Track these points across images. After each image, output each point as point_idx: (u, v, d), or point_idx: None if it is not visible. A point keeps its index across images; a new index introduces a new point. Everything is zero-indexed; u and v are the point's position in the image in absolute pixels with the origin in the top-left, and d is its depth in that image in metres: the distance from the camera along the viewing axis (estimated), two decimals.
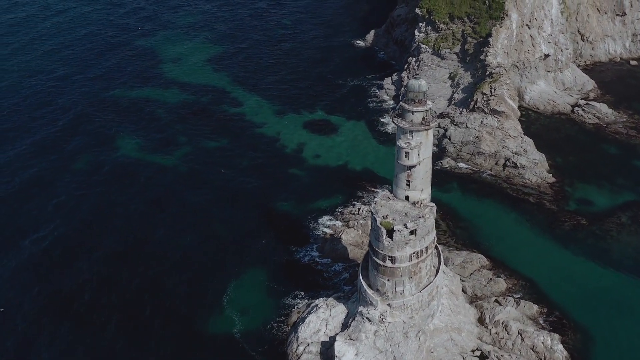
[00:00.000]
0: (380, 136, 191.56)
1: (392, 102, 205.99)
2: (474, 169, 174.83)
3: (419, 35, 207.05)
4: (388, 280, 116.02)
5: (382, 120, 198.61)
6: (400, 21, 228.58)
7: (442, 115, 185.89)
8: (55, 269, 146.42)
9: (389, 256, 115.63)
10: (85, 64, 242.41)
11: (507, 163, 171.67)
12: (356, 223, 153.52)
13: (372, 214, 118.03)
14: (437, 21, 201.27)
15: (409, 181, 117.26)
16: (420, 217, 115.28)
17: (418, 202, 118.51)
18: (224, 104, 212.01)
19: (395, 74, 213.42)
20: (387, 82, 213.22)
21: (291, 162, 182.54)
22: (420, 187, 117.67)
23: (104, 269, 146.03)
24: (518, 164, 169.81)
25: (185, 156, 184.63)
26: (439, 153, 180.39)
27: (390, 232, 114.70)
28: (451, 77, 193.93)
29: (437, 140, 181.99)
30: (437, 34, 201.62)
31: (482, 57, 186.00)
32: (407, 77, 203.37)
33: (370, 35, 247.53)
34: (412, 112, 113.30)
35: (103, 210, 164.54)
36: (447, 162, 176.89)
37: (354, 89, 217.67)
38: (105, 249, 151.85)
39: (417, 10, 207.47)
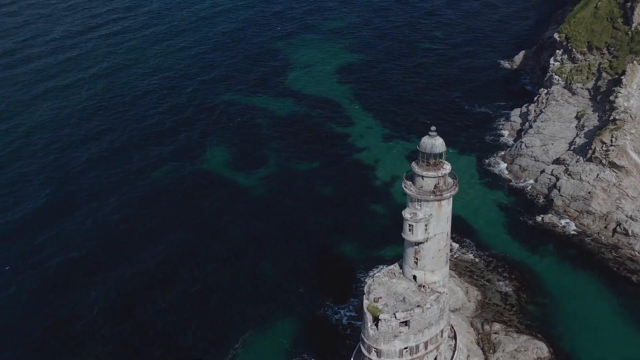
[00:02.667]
0: (485, 177, 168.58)
1: (511, 138, 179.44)
2: (578, 230, 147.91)
3: (554, 64, 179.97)
4: None
5: (492, 158, 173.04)
6: (550, 44, 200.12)
7: (557, 161, 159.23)
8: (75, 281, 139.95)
9: (374, 348, 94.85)
10: (211, 64, 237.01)
11: (618, 229, 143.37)
12: None
13: (364, 292, 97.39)
14: (574, 50, 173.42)
15: (417, 259, 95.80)
16: (418, 305, 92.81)
17: (426, 285, 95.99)
18: (333, 121, 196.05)
19: (525, 105, 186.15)
20: (515, 113, 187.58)
21: (376, 197, 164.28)
22: (430, 267, 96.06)
23: (129, 285, 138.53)
24: (630, 232, 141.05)
25: (267, 178, 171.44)
26: (545, 205, 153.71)
27: (377, 320, 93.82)
28: (578, 117, 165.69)
29: (546, 190, 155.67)
30: (572, 65, 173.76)
31: (612, 97, 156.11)
32: (535, 111, 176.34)
33: (519, 57, 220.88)
34: (422, 177, 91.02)
35: (149, 227, 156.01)
36: (549, 218, 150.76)
37: (478, 117, 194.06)
38: (136, 267, 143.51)
39: (555, 36, 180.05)
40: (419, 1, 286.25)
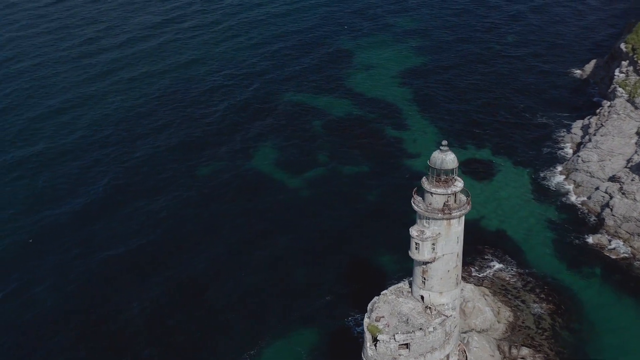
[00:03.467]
0: (536, 191, 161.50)
1: (570, 151, 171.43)
2: (629, 254, 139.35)
3: (618, 76, 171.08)
4: None
5: (547, 172, 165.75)
6: (618, 55, 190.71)
7: (612, 179, 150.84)
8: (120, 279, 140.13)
9: None
10: (278, 61, 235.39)
11: None
12: None
13: (367, 310, 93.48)
14: (639, 61, 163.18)
15: (425, 279, 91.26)
16: (420, 328, 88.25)
17: (433, 306, 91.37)
18: (388, 125, 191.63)
19: (588, 117, 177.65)
20: (577, 125, 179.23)
21: None
22: (438, 288, 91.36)
23: (167, 284, 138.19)
24: None
25: (313, 181, 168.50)
26: (595, 225, 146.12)
27: (376, 340, 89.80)
28: (638, 133, 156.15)
29: (598, 208, 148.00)
30: (637, 77, 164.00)
31: None
32: (596, 124, 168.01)
33: (590, 66, 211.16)
34: (431, 193, 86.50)
35: (191, 228, 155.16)
36: (598, 238, 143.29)
37: (539, 127, 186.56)
38: (175, 266, 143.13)
39: (622, 46, 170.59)
40: (505, 5, 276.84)
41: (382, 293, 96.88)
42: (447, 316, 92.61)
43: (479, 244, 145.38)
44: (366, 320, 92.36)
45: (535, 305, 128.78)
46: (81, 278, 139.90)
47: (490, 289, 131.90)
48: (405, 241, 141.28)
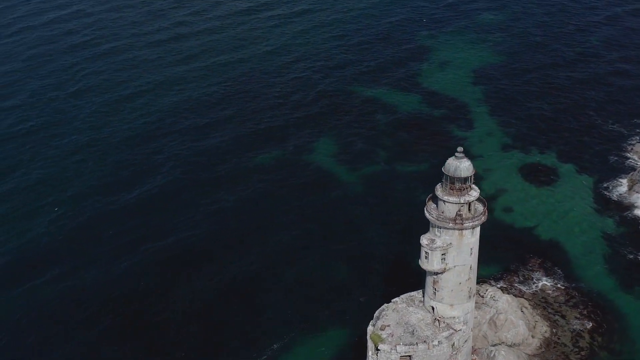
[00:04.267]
0: (597, 201, 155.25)
1: (639, 161, 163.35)
2: None
3: None
4: None
5: (611, 182, 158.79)
6: None
7: None
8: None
9: None
10: (355, 54, 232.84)
11: None
12: None
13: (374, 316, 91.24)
14: None
15: (435, 290, 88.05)
16: (424, 341, 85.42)
17: (442, 319, 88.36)
18: (453, 123, 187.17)
19: None
20: None
21: None
22: (448, 300, 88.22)
23: (216, 275, 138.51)
24: None
25: (369, 176, 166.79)
26: None
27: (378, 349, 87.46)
28: None
29: None
30: None
31: None
32: None
33: None
34: (444, 201, 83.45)
35: (242, 219, 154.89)
36: None
37: (609, 134, 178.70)
38: (225, 257, 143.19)
39: None
40: (604, 6, 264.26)
41: (392, 300, 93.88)
42: (455, 330, 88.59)
43: (527, 253, 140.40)
44: (370, 328, 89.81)
45: (576, 321, 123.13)
46: (132, 265, 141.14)
47: (531, 301, 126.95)
48: None
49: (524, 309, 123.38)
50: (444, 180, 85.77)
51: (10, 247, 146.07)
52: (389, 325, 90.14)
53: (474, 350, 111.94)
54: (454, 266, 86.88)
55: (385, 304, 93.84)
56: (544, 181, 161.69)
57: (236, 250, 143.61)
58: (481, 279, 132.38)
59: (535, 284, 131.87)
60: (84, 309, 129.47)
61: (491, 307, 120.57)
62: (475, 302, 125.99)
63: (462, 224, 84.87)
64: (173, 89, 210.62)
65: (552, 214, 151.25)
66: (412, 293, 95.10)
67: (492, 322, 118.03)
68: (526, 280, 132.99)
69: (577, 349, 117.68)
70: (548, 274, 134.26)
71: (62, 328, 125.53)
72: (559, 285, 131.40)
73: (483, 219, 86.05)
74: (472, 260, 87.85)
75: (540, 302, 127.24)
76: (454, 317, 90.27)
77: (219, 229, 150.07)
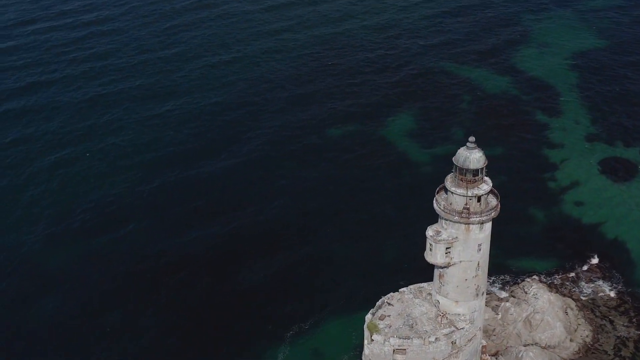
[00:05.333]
0: None
1: None
2: None
3: None
4: None
5: None
6: None
7: None
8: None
9: None
10: (444, 27, 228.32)
11: None
12: (503, 304, 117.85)
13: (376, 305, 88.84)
14: None
15: (441, 284, 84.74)
16: (419, 337, 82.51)
17: (446, 314, 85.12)
18: (540, 108, 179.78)
19: None
20: None
21: (544, 200, 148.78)
22: (453, 297, 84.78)
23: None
24: None
25: (439, 157, 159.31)
26: None
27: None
28: None
29: None
30: None
31: None
32: None
33: None
34: (452, 192, 79.97)
35: (296, 184, 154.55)
36: None
37: None
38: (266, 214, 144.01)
39: None
40: None
41: (400, 290, 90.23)
42: (457, 328, 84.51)
43: (588, 251, 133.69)
44: (368, 316, 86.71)
45: (623, 329, 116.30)
46: (204, 236, 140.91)
47: (578, 302, 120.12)
48: (516, 236, 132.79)
49: (568, 310, 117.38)
50: (454, 170, 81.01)
51: (89, 202, 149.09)
52: (389, 316, 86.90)
53: (495, 352, 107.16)
54: (460, 261, 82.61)
55: (392, 293, 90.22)
56: (622, 177, 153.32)
57: (310, 229, 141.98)
58: (532, 273, 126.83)
59: (589, 285, 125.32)
60: (144, 272, 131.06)
61: (529, 305, 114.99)
62: (517, 298, 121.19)
63: (469, 218, 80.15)
64: (259, 62, 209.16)
65: (623, 213, 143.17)
66: (422, 284, 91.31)
67: (528, 321, 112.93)
68: (579, 280, 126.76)
69: (618, 358, 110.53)
70: (605, 275, 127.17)
71: (120, 284, 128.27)
72: (613, 289, 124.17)
73: (493, 214, 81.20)
74: (480, 257, 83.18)
75: (589, 305, 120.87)
76: (458, 314, 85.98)
77: (295, 206, 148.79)
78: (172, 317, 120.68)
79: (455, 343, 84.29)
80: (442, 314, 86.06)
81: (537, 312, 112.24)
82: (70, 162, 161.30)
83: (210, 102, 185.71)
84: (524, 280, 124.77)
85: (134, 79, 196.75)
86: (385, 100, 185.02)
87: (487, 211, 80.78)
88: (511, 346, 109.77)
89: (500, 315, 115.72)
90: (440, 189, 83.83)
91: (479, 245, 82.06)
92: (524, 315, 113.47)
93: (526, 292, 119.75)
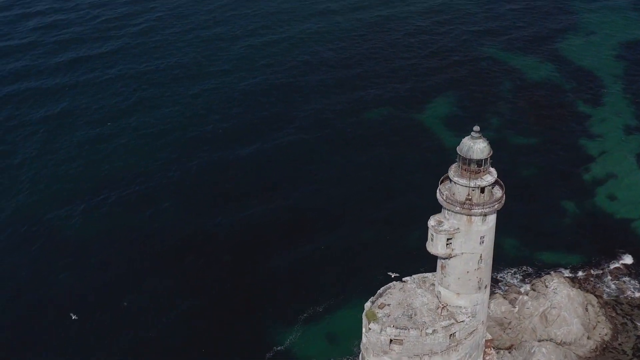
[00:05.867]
0: None
1: None
2: None
3: None
4: None
5: None
6: None
7: None
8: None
9: (364, 357, 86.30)
10: (492, 12, 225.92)
11: None
12: (521, 297, 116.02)
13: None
14: None
15: (443, 275, 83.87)
16: (417, 328, 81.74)
17: (446, 306, 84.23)
18: (581, 98, 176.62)
19: None
20: None
21: (574, 191, 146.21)
22: (455, 289, 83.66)
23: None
24: None
25: None
26: None
27: None
28: None
29: None
30: None
31: None
32: None
33: None
34: (454, 182, 78.92)
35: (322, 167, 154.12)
36: None
37: None
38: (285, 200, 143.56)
39: None
40: None
41: (403, 279, 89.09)
42: (457, 321, 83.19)
43: (616, 247, 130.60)
44: (367, 304, 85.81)
45: None
46: (246, 217, 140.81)
47: (600, 299, 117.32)
48: (545, 228, 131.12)
49: (589, 307, 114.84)
50: (458, 160, 79.45)
51: (123, 179, 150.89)
52: (388, 305, 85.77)
53: (510, 346, 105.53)
54: (461, 253, 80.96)
55: (394, 282, 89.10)
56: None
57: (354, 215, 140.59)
58: (557, 267, 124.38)
59: (614, 282, 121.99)
60: (168, 250, 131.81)
61: (547, 300, 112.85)
62: (537, 292, 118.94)
63: (470, 209, 78.51)
64: (299, 45, 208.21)
65: None
66: (427, 274, 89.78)
67: (544, 315, 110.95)
68: (604, 276, 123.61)
69: (636, 359, 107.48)
70: (631, 273, 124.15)
71: (143, 262, 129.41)
72: (638, 287, 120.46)
73: (497, 206, 79.29)
74: (483, 249, 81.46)
75: (611, 302, 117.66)
76: (460, 307, 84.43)
77: (323, 191, 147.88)
78: (190, 296, 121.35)
79: (454, 336, 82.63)
80: (442, 306, 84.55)
81: (554, 307, 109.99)
82: (106, 138, 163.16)
83: (248, 84, 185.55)
84: (547, 274, 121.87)
85: (176, 57, 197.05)
86: (425, 87, 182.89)
87: (490, 203, 78.84)
88: (525, 341, 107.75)
89: (517, 309, 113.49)
90: (445, 179, 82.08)
91: (482, 237, 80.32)
92: (541, 309, 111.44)
93: (547, 286, 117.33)
